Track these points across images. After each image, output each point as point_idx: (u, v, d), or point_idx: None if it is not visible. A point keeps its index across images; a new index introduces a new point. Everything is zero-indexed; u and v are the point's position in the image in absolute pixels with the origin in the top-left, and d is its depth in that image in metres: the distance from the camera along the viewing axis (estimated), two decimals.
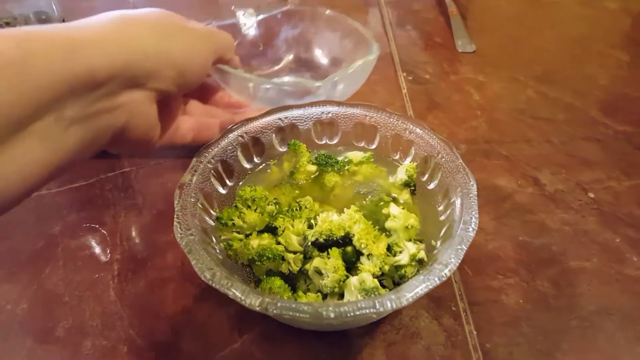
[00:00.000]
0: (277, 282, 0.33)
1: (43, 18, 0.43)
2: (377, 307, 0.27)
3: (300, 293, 0.33)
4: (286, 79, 0.58)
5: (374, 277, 0.33)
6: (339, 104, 0.43)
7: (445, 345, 0.35)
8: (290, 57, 0.59)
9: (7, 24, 0.41)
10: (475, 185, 0.35)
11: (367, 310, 0.27)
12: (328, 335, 0.36)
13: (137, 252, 0.41)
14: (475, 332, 0.36)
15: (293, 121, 0.43)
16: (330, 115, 0.43)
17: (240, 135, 0.41)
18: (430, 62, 0.63)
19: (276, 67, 0.59)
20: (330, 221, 0.34)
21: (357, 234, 0.34)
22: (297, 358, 0.35)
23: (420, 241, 0.36)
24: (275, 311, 0.27)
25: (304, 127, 0.43)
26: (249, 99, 0.49)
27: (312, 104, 0.43)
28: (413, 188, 0.40)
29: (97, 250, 0.42)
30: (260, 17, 0.57)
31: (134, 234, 0.43)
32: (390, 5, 0.77)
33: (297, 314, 0.27)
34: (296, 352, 0.35)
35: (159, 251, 0.41)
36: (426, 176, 0.40)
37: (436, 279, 0.29)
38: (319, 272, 0.33)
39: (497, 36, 0.70)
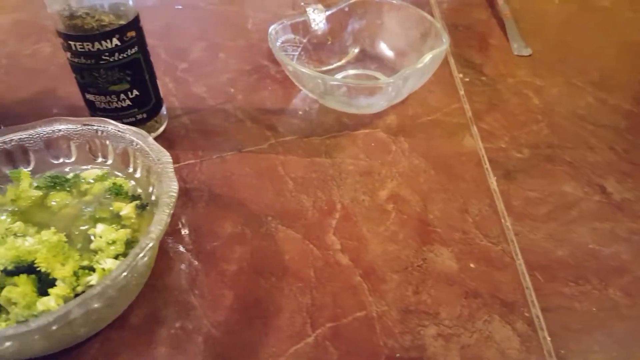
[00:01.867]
0: None
1: (121, 10, 0.43)
2: (19, 330, 0.27)
3: None
4: (352, 72, 0.58)
5: (68, 300, 0.32)
6: (67, 121, 0.42)
7: (520, 350, 0.35)
8: (357, 49, 0.60)
9: (87, 14, 0.42)
10: (174, 193, 0.35)
11: (16, 337, 0.27)
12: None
13: (206, 243, 0.42)
14: (549, 338, 0.36)
15: (19, 143, 0.42)
16: (60, 133, 0.42)
17: None
18: (486, 64, 0.62)
19: (343, 60, 0.59)
20: (18, 247, 0.34)
21: (39, 258, 0.33)
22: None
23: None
24: None
25: (34, 147, 0.42)
26: (320, 96, 0.49)
27: (38, 123, 0.42)
28: (141, 202, 0.40)
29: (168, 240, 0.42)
30: (329, 12, 0.57)
31: (201, 224, 0.43)
32: (441, 6, 0.76)
33: None
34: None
35: (226, 243, 0.42)
36: (151, 188, 0.40)
37: (88, 295, 0.29)
38: (13, 301, 0.33)
39: (550, 40, 0.69)
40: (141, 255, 0.32)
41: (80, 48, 0.43)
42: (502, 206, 0.45)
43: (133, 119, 0.48)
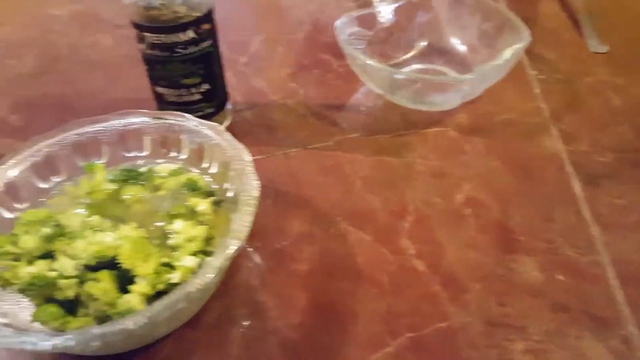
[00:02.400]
0: (51, 309, 0.32)
1: (196, 2, 0.42)
2: (116, 328, 0.27)
3: (69, 319, 0.32)
4: (417, 67, 0.56)
5: (148, 297, 0.32)
6: (141, 113, 0.41)
7: None
8: (424, 43, 0.57)
9: (163, 6, 0.41)
10: (255, 190, 0.34)
11: (103, 337, 0.27)
12: None
13: (275, 242, 0.41)
14: None
15: (94, 135, 0.41)
16: (135, 126, 0.41)
17: (31, 155, 0.39)
18: (560, 60, 0.59)
19: (409, 55, 0.57)
20: (100, 242, 0.33)
21: (122, 254, 0.33)
22: None
23: (210, 253, 0.35)
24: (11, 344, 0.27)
25: (108, 140, 0.41)
26: (389, 92, 0.47)
27: (113, 115, 0.41)
28: (216, 198, 0.38)
29: None
30: (397, 4, 0.55)
31: (269, 223, 0.42)
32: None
33: (33, 346, 0.27)
34: None
35: (295, 242, 0.41)
36: (226, 184, 0.39)
37: (176, 296, 0.28)
38: (94, 297, 0.32)
39: (628, 36, 0.65)
40: (231, 255, 0.31)
41: (156, 40, 0.42)
42: (589, 214, 0.42)
43: (201, 113, 0.47)
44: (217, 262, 0.31)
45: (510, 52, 0.46)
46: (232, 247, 0.31)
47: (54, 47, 0.64)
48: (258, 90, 0.56)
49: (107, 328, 0.28)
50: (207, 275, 0.30)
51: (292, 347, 0.34)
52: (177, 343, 0.35)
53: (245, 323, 0.35)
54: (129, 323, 0.28)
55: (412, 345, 0.34)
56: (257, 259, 0.40)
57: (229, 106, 0.51)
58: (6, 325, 0.30)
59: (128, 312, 0.31)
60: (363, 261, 0.39)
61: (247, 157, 0.37)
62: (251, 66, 0.60)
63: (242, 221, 0.33)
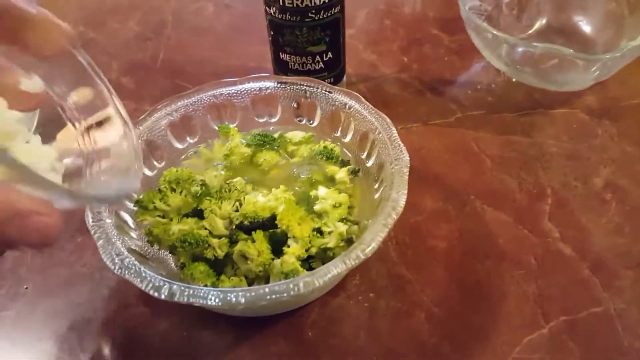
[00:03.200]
0: (200, 267, 0.31)
1: None
2: (290, 289, 0.26)
3: (222, 278, 0.31)
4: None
5: (300, 260, 0.31)
6: (275, 78, 0.40)
7: None
8: (544, 21, 0.54)
9: None
10: (407, 160, 0.33)
11: (278, 295, 0.26)
12: None
13: (409, 217, 0.40)
14: None
15: (229, 98, 0.40)
16: (268, 91, 0.40)
17: (169, 114, 0.38)
18: None
19: (528, 33, 0.54)
20: (254, 202, 0.32)
21: (280, 215, 0.32)
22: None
23: (354, 222, 0.35)
24: (183, 299, 0.27)
25: (241, 103, 0.41)
26: (511, 68, 0.45)
27: (248, 79, 0.41)
28: (353, 167, 0.38)
29: None
30: None
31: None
32: None
33: (204, 302, 0.26)
34: None
35: (430, 218, 0.40)
36: (365, 153, 0.38)
37: (353, 259, 0.28)
38: (244, 257, 0.31)
39: None
40: (390, 226, 0.30)
41: (289, 3, 0.41)
42: None
43: None
44: (382, 229, 0.30)
45: None
46: (393, 213, 0.30)
47: (159, 11, 0.64)
48: (369, 63, 0.55)
49: (277, 288, 0.27)
50: (376, 240, 0.29)
51: (442, 323, 0.33)
52: (322, 308, 0.34)
53: (392, 297, 0.35)
54: (299, 284, 0.27)
55: (567, 328, 0.33)
56: (393, 232, 0.39)
57: (344, 78, 0.50)
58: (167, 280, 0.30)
59: (291, 273, 0.30)
60: (505, 242, 0.38)
61: (393, 127, 0.36)
62: (359, 39, 0.58)
63: (399, 190, 0.32)
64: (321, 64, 0.45)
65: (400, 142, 0.35)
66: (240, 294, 0.27)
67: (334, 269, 0.28)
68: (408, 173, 0.32)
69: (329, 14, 0.43)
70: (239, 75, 0.41)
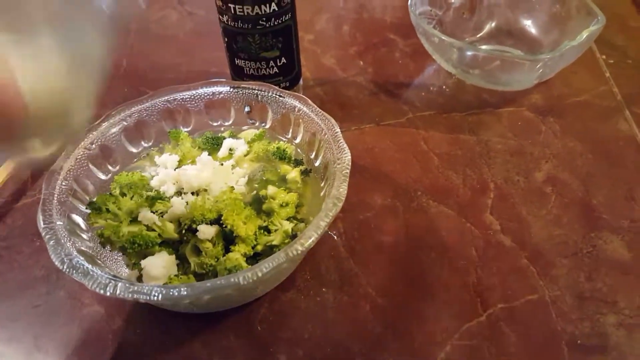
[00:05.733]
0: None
1: None
2: (230, 283, 0.28)
3: (172, 277, 0.33)
4: (486, 48, 0.56)
5: (246, 257, 0.33)
6: (228, 83, 0.42)
7: None
8: (493, 24, 0.57)
9: None
10: (349, 159, 0.35)
11: (219, 289, 0.28)
12: None
13: (359, 213, 0.41)
14: None
15: (182, 103, 0.42)
16: (221, 96, 0.42)
17: (123, 119, 0.40)
18: (629, 46, 0.58)
19: (477, 36, 0.57)
20: (201, 205, 0.34)
21: (225, 215, 0.34)
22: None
23: (301, 220, 0.36)
24: (128, 295, 0.28)
25: (195, 108, 0.43)
26: (463, 71, 0.47)
27: (201, 84, 0.42)
28: (306, 167, 0.40)
29: None
30: None
31: (350, 195, 0.43)
32: None
33: (148, 297, 0.27)
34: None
35: (379, 214, 0.41)
36: (313, 154, 0.40)
37: (292, 251, 0.29)
38: (197, 252, 0.34)
39: None
40: (329, 221, 0.31)
41: (239, 11, 0.43)
42: None
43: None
44: (319, 225, 0.31)
45: (585, 34, 0.45)
46: (333, 209, 0.32)
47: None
48: (327, 67, 0.56)
49: (218, 282, 0.28)
50: (314, 234, 0.31)
51: (385, 313, 0.35)
52: (272, 304, 0.36)
53: (340, 290, 0.36)
54: (239, 278, 0.29)
55: (505, 315, 0.35)
56: (342, 228, 0.40)
57: (300, 82, 0.51)
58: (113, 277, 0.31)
59: (234, 269, 0.32)
60: (449, 235, 0.39)
61: (337, 127, 0.38)
62: (318, 44, 0.60)
63: (340, 187, 0.33)
64: (275, 69, 0.47)
65: (343, 142, 0.36)
66: (182, 288, 0.28)
67: (273, 262, 0.29)
68: (349, 171, 0.34)
69: (279, 22, 0.44)
70: (200, 80, 0.43)
